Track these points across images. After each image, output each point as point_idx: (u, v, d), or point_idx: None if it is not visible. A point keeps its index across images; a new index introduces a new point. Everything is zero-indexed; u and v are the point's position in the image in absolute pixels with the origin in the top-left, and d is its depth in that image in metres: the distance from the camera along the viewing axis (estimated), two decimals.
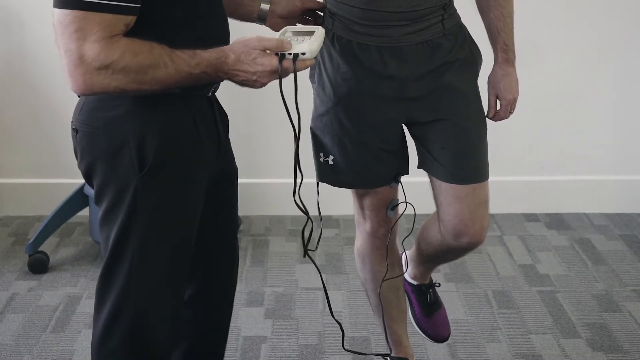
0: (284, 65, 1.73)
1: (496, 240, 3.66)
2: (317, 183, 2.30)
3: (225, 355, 2.79)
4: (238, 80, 1.75)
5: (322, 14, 2.23)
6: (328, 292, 3.27)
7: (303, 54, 1.75)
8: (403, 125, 2.27)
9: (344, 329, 2.36)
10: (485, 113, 2.30)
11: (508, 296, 3.18)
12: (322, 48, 2.22)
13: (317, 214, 2.15)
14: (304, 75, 1.82)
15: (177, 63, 1.68)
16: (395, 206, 2.35)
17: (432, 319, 2.66)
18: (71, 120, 1.85)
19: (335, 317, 2.27)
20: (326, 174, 2.31)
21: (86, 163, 1.83)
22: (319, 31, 1.83)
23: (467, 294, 3.19)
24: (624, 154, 3.96)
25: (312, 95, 2.28)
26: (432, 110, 2.20)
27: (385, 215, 2.36)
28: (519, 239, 3.69)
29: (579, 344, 2.85)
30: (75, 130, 1.84)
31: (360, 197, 2.36)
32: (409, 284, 2.61)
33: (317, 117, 2.27)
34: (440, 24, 2.17)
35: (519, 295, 3.18)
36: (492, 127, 2.47)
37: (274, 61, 1.72)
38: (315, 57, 2.23)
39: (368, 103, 2.19)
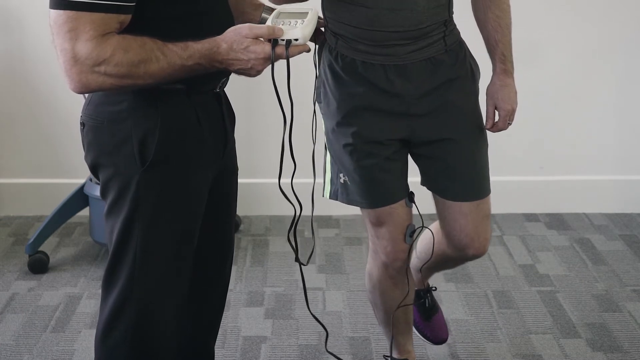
0: (277, 51, 1.72)
1: (496, 240, 3.66)
2: (312, 199, 2.14)
3: (225, 355, 2.80)
4: (234, 70, 1.76)
5: (323, 29, 2.22)
6: (327, 291, 3.27)
7: (296, 39, 1.73)
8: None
9: (326, 326, 2.34)
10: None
11: (508, 296, 3.17)
12: (325, 66, 2.20)
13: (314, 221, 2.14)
14: (296, 62, 1.79)
15: (169, 56, 1.69)
16: (413, 232, 2.30)
17: (431, 323, 2.68)
18: (80, 114, 1.87)
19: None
20: (343, 193, 2.28)
21: (92, 157, 1.85)
22: (312, 14, 1.80)
23: (467, 294, 3.19)
24: (624, 154, 3.96)
25: (311, 92, 2.26)
26: (434, 128, 2.20)
27: (403, 243, 2.30)
28: (519, 239, 3.69)
29: (579, 344, 2.85)
30: (82, 125, 1.86)
31: (375, 226, 2.30)
32: None
33: (328, 134, 2.25)
34: (442, 40, 2.17)
35: (519, 295, 3.18)
36: None
37: (266, 48, 1.72)
38: (315, 43, 2.23)
39: (372, 118, 2.18)
